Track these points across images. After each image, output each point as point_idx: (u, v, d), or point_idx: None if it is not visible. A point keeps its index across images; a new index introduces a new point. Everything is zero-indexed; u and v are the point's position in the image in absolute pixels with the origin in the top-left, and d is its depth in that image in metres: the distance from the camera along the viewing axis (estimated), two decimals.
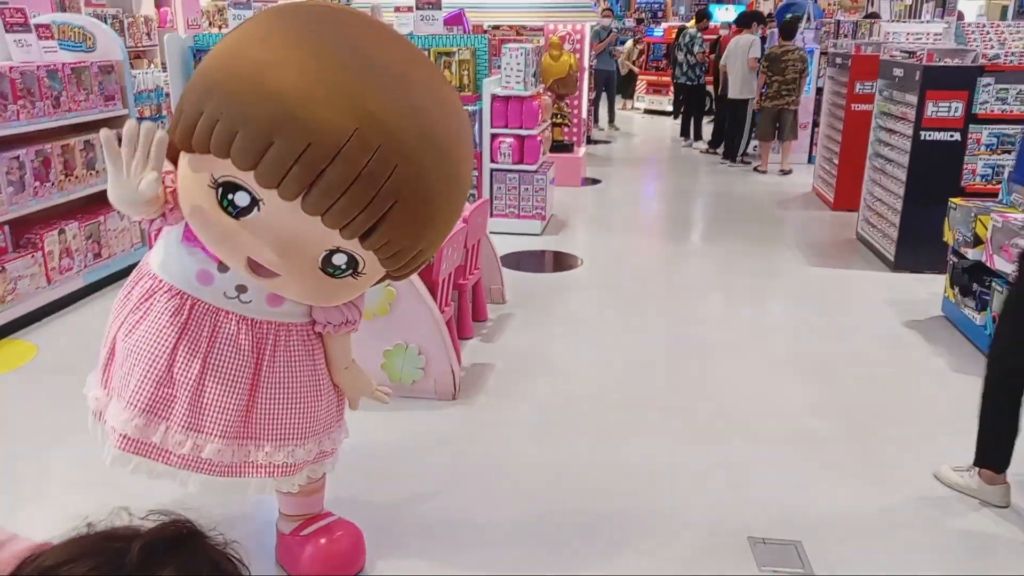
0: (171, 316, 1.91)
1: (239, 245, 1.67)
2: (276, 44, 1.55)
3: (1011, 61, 4.85)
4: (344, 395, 2.20)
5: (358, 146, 1.46)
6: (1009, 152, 4.89)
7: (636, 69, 13.46)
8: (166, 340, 1.91)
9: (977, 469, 2.79)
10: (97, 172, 4.70)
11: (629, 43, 13.35)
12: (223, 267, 1.88)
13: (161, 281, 1.94)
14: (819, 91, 8.75)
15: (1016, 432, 2.71)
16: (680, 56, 10.56)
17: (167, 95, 6.30)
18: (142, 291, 1.97)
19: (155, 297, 1.94)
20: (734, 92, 9.05)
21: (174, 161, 1.74)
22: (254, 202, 1.60)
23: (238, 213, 1.62)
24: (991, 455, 2.77)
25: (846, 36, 9.29)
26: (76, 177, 4.53)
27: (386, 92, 1.53)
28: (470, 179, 1.78)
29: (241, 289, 1.91)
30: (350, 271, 1.72)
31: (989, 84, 4.83)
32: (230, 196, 1.60)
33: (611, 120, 11.78)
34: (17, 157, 4.08)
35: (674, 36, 11.59)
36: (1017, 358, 2.71)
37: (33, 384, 3.61)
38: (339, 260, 1.68)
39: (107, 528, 0.84)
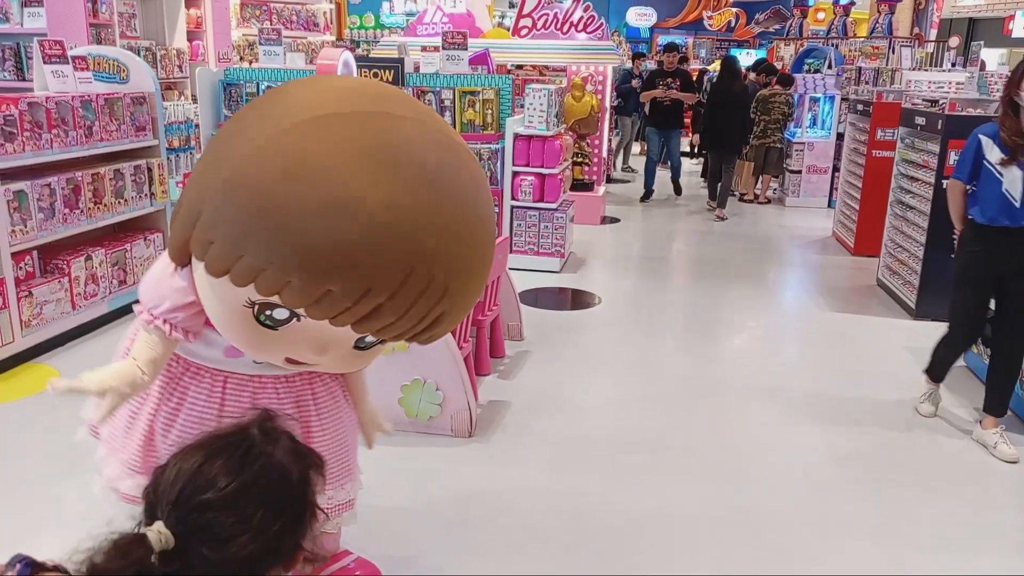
0: (207, 400, 1.86)
1: (277, 349, 1.57)
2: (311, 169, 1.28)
3: None
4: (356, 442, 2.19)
5: (414, 284, 1.34)
6: None
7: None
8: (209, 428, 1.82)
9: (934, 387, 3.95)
10: (125, 200, 4.79)
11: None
12: None
13: (187, 362, 1.87)
14: (839, 136, 8.80)
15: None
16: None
17: (197, 126, 6.44)
18: (168, 375, 1.88)
19: (184, 380, 1.87)
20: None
21: (183, 262, 1.52)
22: (294, 314, 1.47)
23: (277, 325, 1.49)
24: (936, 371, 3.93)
25: (867, 83, 9.34)
26: (104, 205, 4.62)
27: (437, 213, 1.34)
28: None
29: None
30: (380, 341, 1.60)
31: None
32: (268, 312, 1.46)
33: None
34: (48, 184, 4.17)
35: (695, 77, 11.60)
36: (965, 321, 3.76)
37: (53, 409, 3.64)
38: (371, 339, 1.56)
39: (215, 432, 1.20)
